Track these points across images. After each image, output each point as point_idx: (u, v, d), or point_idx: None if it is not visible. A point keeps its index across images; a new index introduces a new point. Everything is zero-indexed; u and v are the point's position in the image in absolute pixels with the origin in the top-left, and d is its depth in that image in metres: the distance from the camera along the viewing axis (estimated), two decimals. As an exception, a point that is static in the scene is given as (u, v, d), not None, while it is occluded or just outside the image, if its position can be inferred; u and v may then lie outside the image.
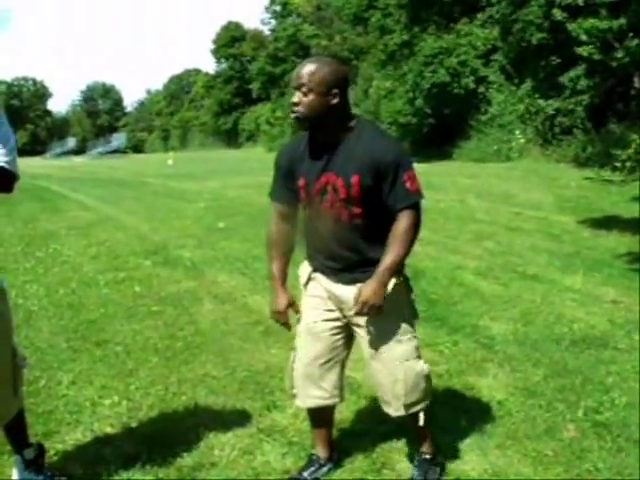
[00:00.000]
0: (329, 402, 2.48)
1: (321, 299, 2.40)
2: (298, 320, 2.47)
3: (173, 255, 6.82)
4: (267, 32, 47.46)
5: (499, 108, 18.30)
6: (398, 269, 2.26)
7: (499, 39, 18.61)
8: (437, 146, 19.24)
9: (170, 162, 26.90)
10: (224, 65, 52.16)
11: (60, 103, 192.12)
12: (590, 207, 8.92)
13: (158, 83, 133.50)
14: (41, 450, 2.51)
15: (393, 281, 2.24)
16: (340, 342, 2.41)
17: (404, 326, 2.33)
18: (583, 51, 13.38)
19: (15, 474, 2.49)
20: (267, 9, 45.50)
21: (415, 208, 2.23)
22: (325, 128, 2.22)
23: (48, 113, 79.06)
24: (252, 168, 20.31)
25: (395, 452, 2.66)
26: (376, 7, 24.37)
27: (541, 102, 16.21)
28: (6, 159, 2.10)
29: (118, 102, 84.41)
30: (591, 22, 12.85)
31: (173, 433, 2.87)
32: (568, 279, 5.31)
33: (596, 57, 13.19)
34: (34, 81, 77.81)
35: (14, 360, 2.30)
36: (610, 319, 4.27)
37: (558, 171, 13.90)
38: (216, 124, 51.38)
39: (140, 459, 2.63)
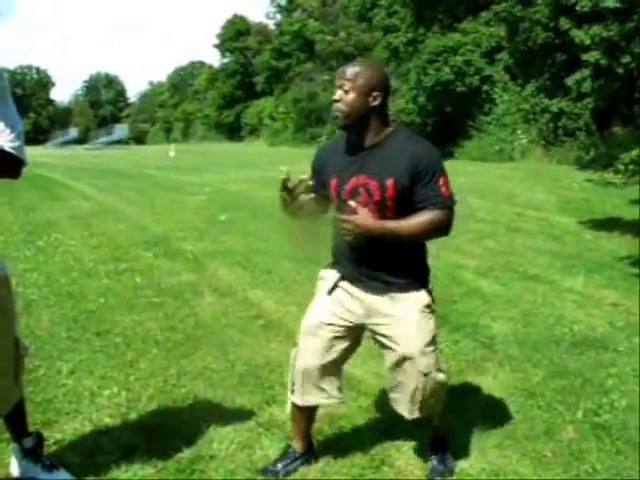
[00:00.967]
0: (329, 402, 2.48)
1: (342, 308, 2.37)
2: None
3: (174, 247, 6.82)
4: (272, 26, 47.44)
5: (503, 107, 18.26)
6: (414, 269, 2.37)
7: (505, 38, 18.56)
8: (440, 145, 19.15)
9: (171, 154, 26.77)
10: (228, 58, 52.12)
11: (63, 92, 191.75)
12: (592, 209, 8.91)
13: (162, 75, 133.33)
14: (40, 439, 2.50)
15: (428, 299, 2.34)
16: (344, 347, 2.40)
17: (429, 339, 2.32)
18: (589, 57, 13.35)
19: (13, 462, 2.49)
20: (272, 3, 45.50)
21: (448, 211, 2.23)
22: (362, 129, 2.23)
23: (51, 102, 78.70)
24: (254, 162, 20.32)
25: (394, 449, 2.65)
26: (380, 5, 24.31)
27: (546, 101, 16.18)
28: (14, 144, 2.07)
29: (121, 93, 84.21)
30: (596, 30, 12.81)
31: (172, 425, 2.88)
32: (569, 280, 5.31)
33: (603, 62, 13.16)
34: (37, 69, 77.65)
35: (16, 349, 2.29)
36: (610, 321, 4.27)
37: (560, 172, 13.88)
38: (219, 117, 51.28)
39: (138, 450, 2.64)
